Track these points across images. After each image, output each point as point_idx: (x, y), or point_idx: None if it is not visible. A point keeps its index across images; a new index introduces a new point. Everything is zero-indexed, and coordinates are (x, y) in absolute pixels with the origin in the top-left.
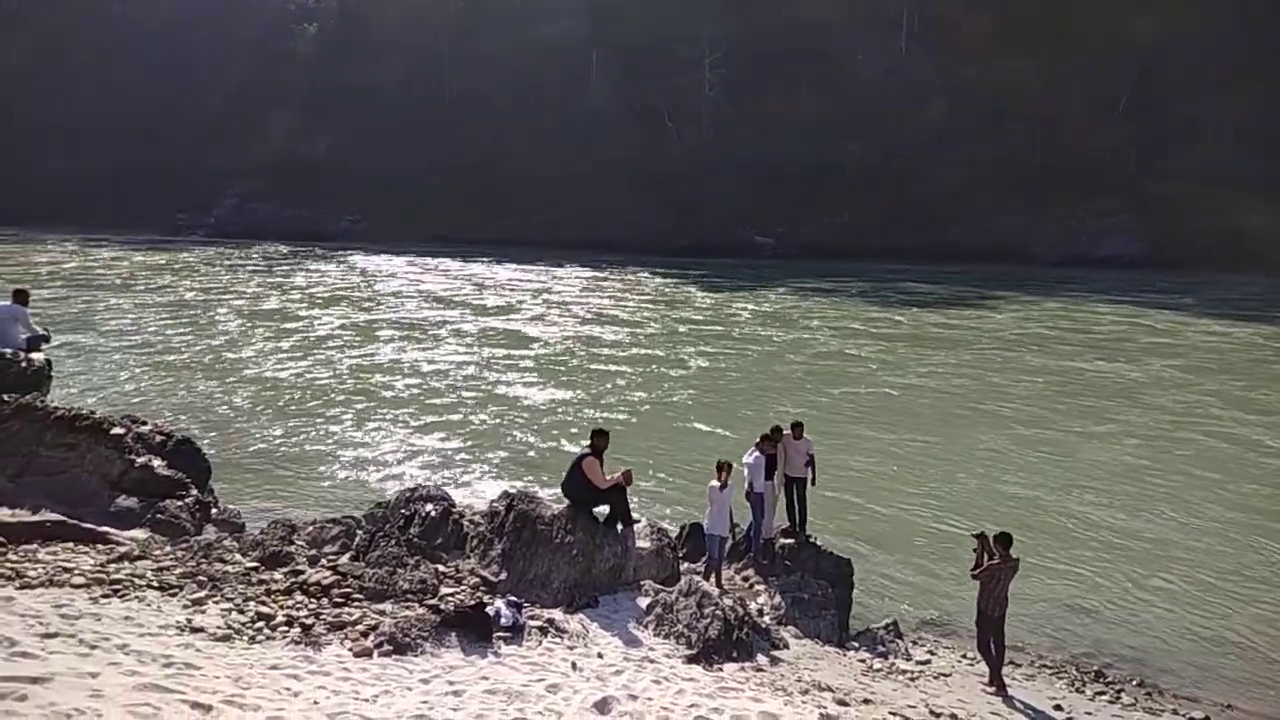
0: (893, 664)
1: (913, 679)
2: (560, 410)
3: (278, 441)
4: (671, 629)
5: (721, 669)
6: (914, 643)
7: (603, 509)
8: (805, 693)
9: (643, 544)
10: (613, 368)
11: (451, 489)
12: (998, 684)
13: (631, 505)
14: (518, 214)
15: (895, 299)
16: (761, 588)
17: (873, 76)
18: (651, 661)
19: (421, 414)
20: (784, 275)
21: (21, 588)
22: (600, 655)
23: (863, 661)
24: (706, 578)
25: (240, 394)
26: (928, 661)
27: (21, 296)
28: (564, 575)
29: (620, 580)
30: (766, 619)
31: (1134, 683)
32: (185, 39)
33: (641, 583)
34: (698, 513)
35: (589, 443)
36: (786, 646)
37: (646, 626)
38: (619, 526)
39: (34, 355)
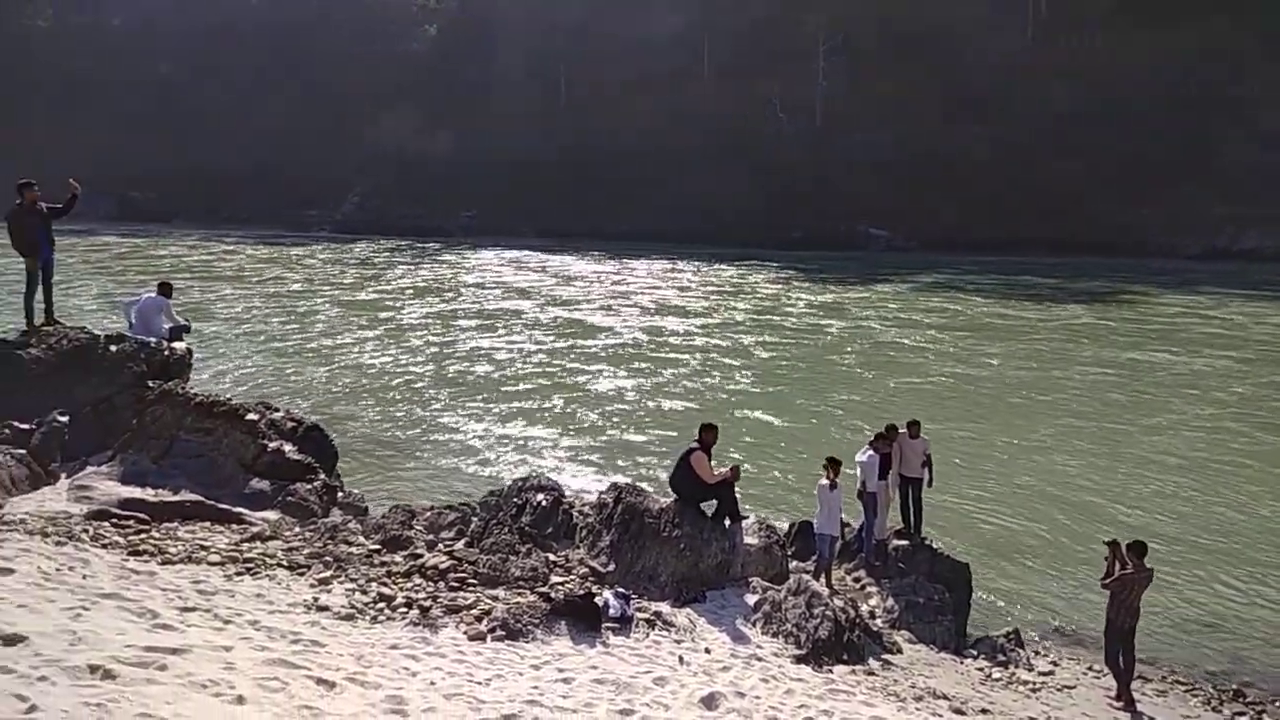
0: (1013, 674)
1: (1034, 690)
2: (665, 404)
3: (397, 428)
4: (780, 628)
5: (831, 671)
6: (1036, 652)
7: (710, 504)
8: (919, 699)
9: (750, 540)
10: (718, 362)
11: (560, 479)
12: (1126, 699)
13: (739, 501)
14: (628, 207)
15: (1019, 293)
16: (873, 590)
17: (994, 62)
18: (759, 659)
19: (530, 405)
20: (898, 269)
21: (163, 563)
22: (707, 650)
23: (981, 670)
24: (816, 577)
25: (359, 382)
26: (1051, 673)
27: (165, 289)
28: (671, 569)
29: (728, 576)
30: (878, 622)
31: (1277, 704)
32: (313, 42)
33: (749, 579)
34: (806, 510)
35: (697, 437)
36: (900, 651)
37: (754, 624)
38: (726, 522)
39: (176, 344)
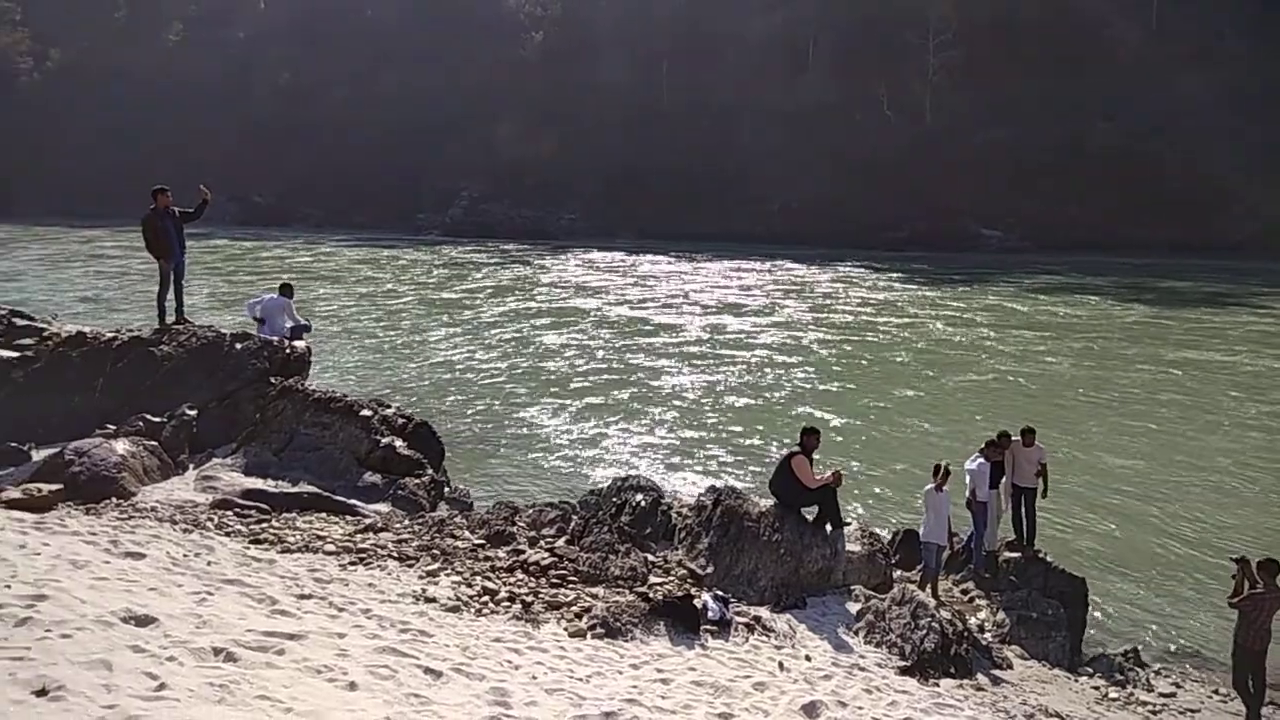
0: (1131, 694)
1: (1155, 713)
2: (763, 407)
3: (496, 425)
4: (884, 638)
5: (938, 684)
6: (1157, 672)
7: (811, 509)
8: (1030, 717)
9: (853, 547)
10: (820, 365)
11: (657, 480)
12: None
13: (841, 507)
14: (732, 208)
15: (1142, 295)
16: (983, 602)
17: (1116, 54)
18: (862, 669)
19: (627, 405)
20: (1010, 270)
21: (282, 552)
22: (808, 658)
23: (1096, 689)
24: (922, 587)
25: (459, 379)
26: (1173, 695)
27: (287, 290)
28: (771, 574)
29: (829, 583)
30: (988, 636)
31: None
32: (424, 51)
33: (851, 587)
34: (912, 518)
35: (798, 441)
36: (1010, 667)
37: (857, 633)
38: (828, 528)
39: (297, 343)
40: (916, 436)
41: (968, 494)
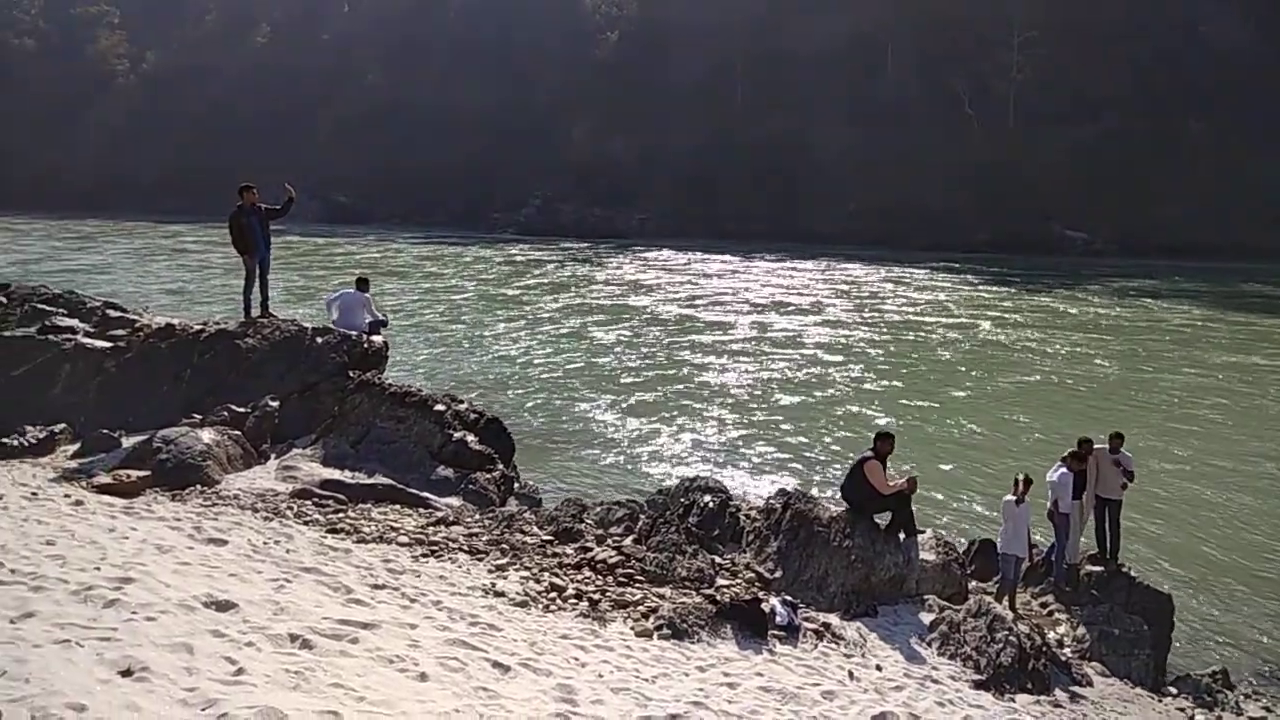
0: (1219, 717)
1: None
2: (833, 411)
3: (563, 422)
4: (958, 649)
5: (1014, 699)
6: (1247, 695)
7: (884, 516)
8: None
9: (927, 556)
10: (892, 368)
11: (725, 481)
12: None
13: (914, 514)
14: (805, 209)
15: (1239, 303)
16: (1062, 617)
17: (1214, 51)
18: (934, 681)
19: (695, 405)
20: (1097, 274)
21: (357, 542)
22: (879, 668)
23: (1182, 710)
24: (998, 599)
25: (527, 376)
26: (1263, 718)
27: (363, 284)
28: (841, 580)
29: (901, 592)
30: (1067, 651)
31: None
32: (502, 53)
33: (925, 597)
34: (988, 528)
35: (872, 445)
36: (1090, 684)
37: (930, 644)
38: (901, 535)
39: (374, 338)
40: (994, 443)
41: (1049, 505)
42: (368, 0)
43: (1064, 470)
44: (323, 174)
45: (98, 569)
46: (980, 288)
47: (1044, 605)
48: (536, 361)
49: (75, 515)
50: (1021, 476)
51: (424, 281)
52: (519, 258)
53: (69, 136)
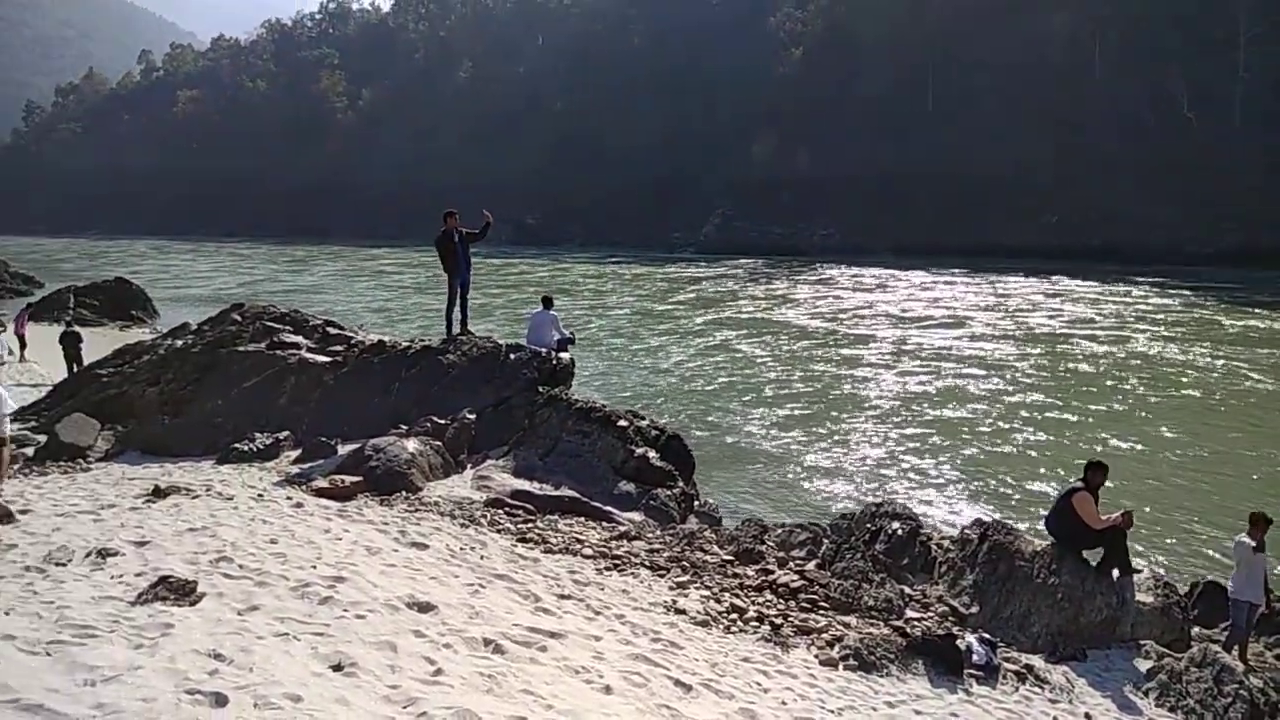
0: None
1: None
2: (1035, 438)
3: (742, 441)
4: (1179, 702)
5: None
6: None
7: (1095, 553)
8: None
9: (1144, 598)
10: (1098, 394)
11: (913, 508)
12: None
13: (1130, 551)
14: (998, 221)
15: None
16: None
17: None
18: None
19: (884, 429)
20: None
21: (545, 552)
22: (1088, 717)
23: None
24: (1227, 649)
25: (706, 393)
26: None
27: (548, 303)
28: (1046, 620)
29: (1114, 635)
30: None
31: None
32: (687, 72)
33: (1140, 642)
34: (1215, 570)
35: (1082, 476)
36: None
37: (1146, 694)
38: (1114, 574)
39: (562, 354)
40: (1222, 476)
41: None
42: (558, 33)
43: None
44: (514, 198)
45: (314, 567)
46: (1204, 307)
47: None
48: (710, 378)
49: (295, 516)
50: (1261, 515)
51: (598, 299)
52: (694, 276)
53: (292, 169)
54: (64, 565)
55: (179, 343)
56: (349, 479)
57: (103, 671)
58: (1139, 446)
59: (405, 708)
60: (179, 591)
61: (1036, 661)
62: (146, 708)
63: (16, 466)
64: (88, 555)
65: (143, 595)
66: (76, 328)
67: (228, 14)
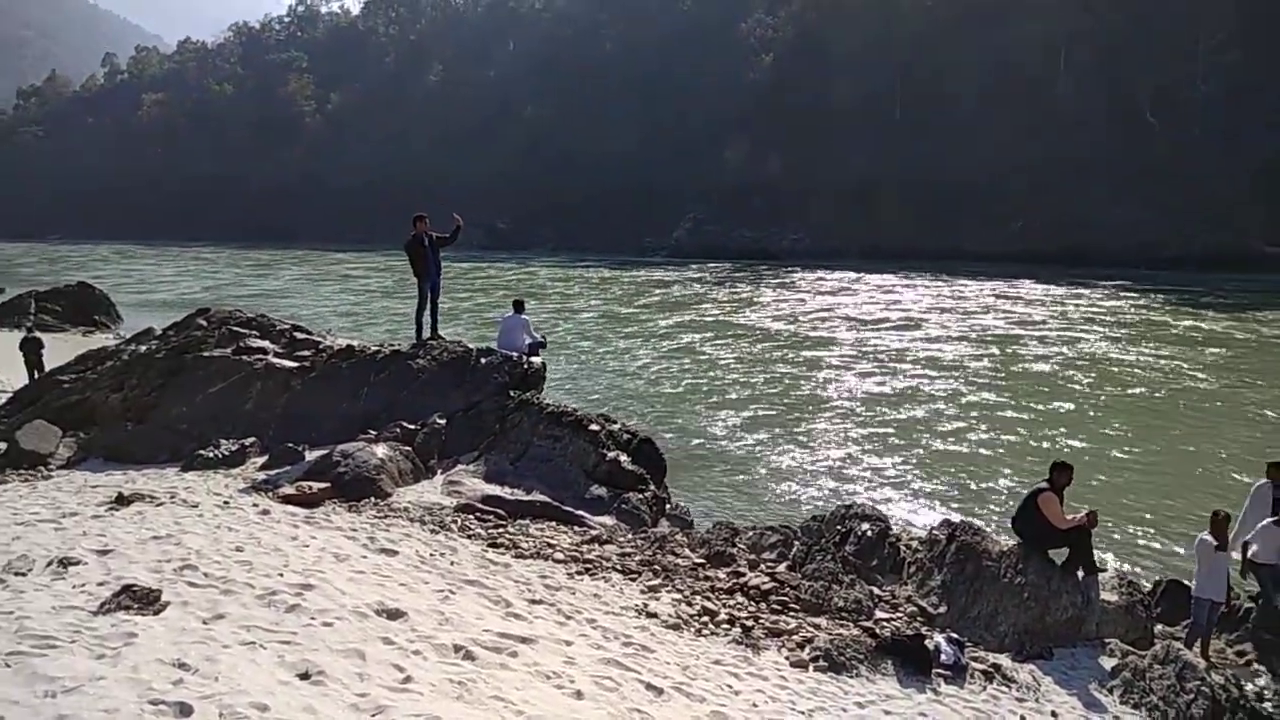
0: None
1: None
2: (1001, 438)
3: (710, 443)
4: (1142, 699)
5: None
6: None
7: (1060, 552)
8: None
9: (1108, 596)
10: (1061, 394)
11: (882, 509)
12: None
13: (1094, 551)
14: (967, 226)
15: None
16: (1262, 668)
17: None
18: None
19: (849, 430)
20: None
21: (516, 557)
22: (1054, 714)
23: None
24: (1189, 646)
25: (673, 395)
26: None
27: (520, 307)
28: (1013, 619)
29: (1079, 634)
30: (1268, 706)
31: None
32: (657, 78)
33: (1106, 641)
34: (1177, 569)
35: (1047, 476)
36: None
37: (1111, 691)
38: (1080, 573)
39: (533, 359)
40: (1185, 476)
41: (1246, 553)
42: (530, 37)
43: (1271, 523)
44: (485, 203)
45: (281, 575)
46: (1168, 309)
47: (1241, 654)
48: (679, 381)
49: (262, 523)
50: (1221, 514)
51: (567, 303)
52: (664, 280)
53: (259, 173)
54: (24, 575)
55: (143, 348)
56: (316, 485)
57: (64, 682)
58: (1101, 446)
59: (374, 716)
60: (142, 600)
61: (1004, 660)
62: (109, 718)
63: None
64: (49, 564)
65: (105, 605)
66: (38, 333)
67: (195, 17)
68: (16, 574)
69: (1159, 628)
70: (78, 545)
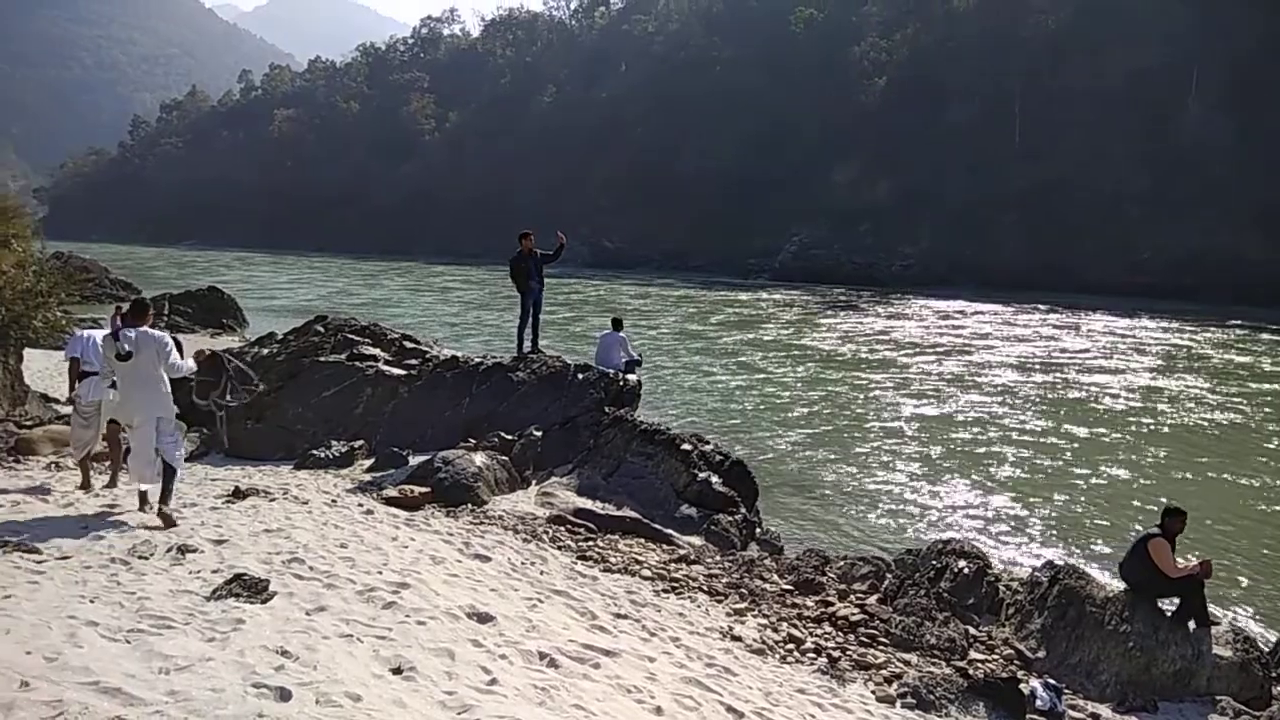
0: None
1: None
2: (1111, 481)
3: (806, 470)
4: None
5: None
6: None
7: (1170, 602)
8: None
9: (1221, 651)
10: (1185, 439)
11: (979, 547)
12: None
13: (1208, 603)
14: (1088, 257)
15: None
16: None
17: None
18: None
19: (954, 465)
20: None
21: (604, 570)
22: None
23: None
24: None
25: (771, 422)
26: None
27: (618, 324)
28: (1116, 668)
29: (1188, 689)
30: None
31: None
32: (764, 98)
33: (1217, 698)
34: None
35: (1159, 522)
36: None
37: None
38: (1190, 625)
39: (629, 376)
40: None
41: None
42: (642, 59)
43: None
44: (595, 221)
45: (380, 573)
46: None
47: None
48: (777, 406)
49: (365, 523)
50: None
51: (669, 322)
52: (767, 302)
53: (380, 187)
54: (146, 559)
55: (265, 351)
56: (418, 489)
57: (177, 661)
58: (1223, 497)
59: (460, 714)
60: (252, 589)
61: (1104, 711)
62: (215, 697)
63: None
64: (168, 550)
65: (217, 591)
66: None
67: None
68: (140, 558)
69: (1278, 689)
70: (196, 534)
